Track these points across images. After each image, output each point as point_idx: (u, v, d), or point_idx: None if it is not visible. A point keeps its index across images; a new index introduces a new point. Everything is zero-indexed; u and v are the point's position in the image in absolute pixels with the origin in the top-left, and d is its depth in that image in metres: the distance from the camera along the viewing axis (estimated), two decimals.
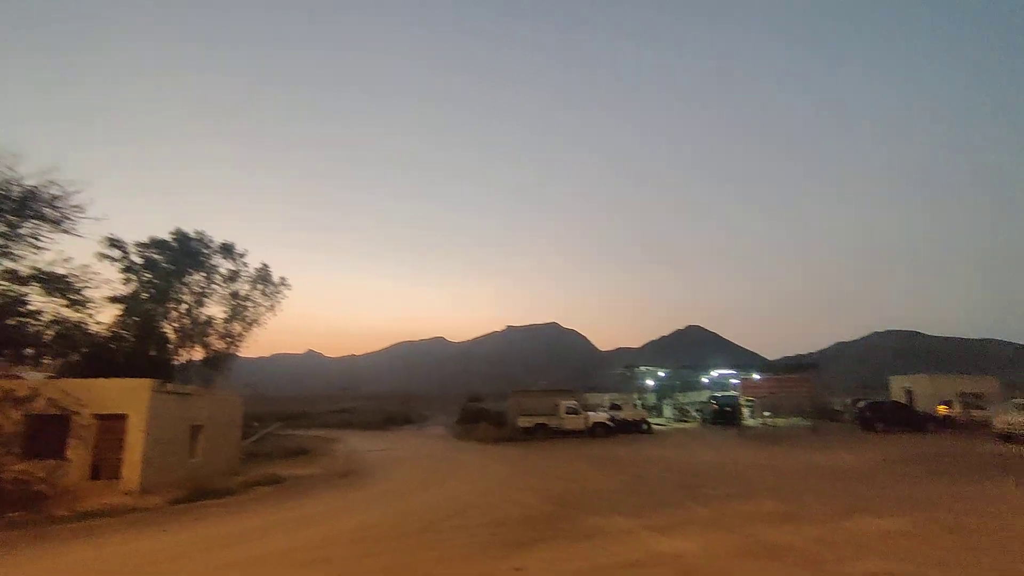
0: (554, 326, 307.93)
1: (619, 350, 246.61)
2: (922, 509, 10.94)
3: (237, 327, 27.61)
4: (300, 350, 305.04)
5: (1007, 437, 23.32)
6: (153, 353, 22.27)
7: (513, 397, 33.32)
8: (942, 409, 30.44)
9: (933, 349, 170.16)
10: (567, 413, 29.91)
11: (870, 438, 26.31)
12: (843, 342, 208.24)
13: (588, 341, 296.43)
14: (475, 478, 16.77)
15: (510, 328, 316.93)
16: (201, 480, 15.97)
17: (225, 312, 27.04)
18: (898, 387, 36.97)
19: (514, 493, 13.75)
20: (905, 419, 29.13)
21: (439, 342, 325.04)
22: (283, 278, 29.15)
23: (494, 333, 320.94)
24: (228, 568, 7.94)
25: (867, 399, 34.48)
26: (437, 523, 10.58)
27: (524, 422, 29.74)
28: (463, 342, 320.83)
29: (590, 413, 30.66)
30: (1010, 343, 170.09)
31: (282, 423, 37.64)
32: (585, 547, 8.64)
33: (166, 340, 24.04)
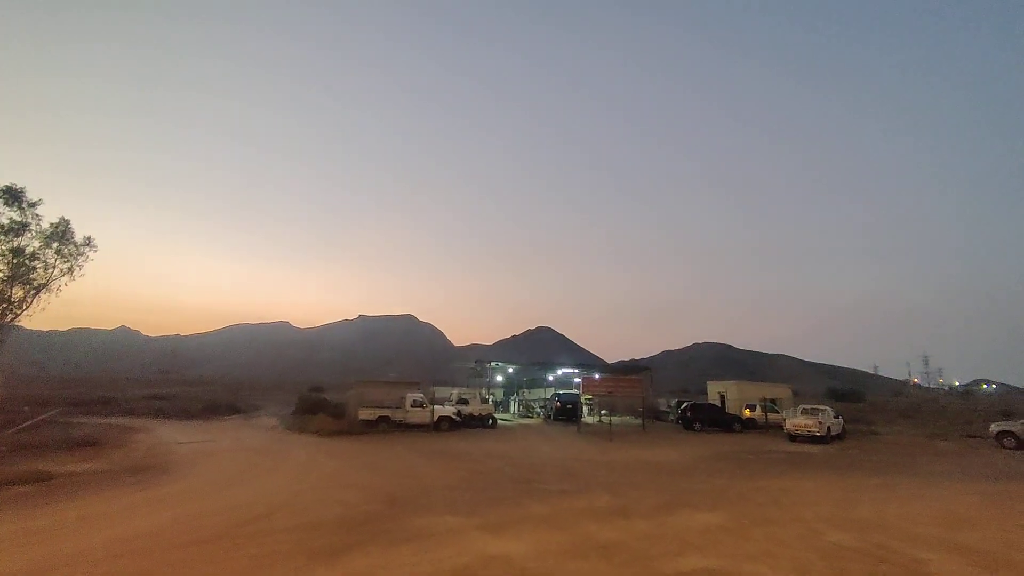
0: (410, 318, 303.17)
1: (473, 346, 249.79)
2: (734, 503, 11.75)
3: (18, 291, 22.79)
4: (110, 325, 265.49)
5: (793, 437, 26.93)
6: None
7: (356, 388, 31.24)
8: (747, 412, 34.53)
9: (741, 360, 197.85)
10: (412, 406, 28.73)
11: (689, 436, 28.83)
12: (670, 350, 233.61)
13: (443, 335, 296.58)
14: (297, 474, 14.94)
15: (363, 317, 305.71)
16: None
17: (2, 272, 22.13)
18: (714, 392, 41.17)
19: (338, 491, 12.33)
20: (718, 420, 32.55)
21: (283, 327, 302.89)
22: (89, 238, 24.36)
23: (345, 321, 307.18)
24: None
25: (688, 401, 37.98)
26: (235, 529, 8.90)
27: (366, 414, 27.97)
28: (310, 329, 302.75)
29: (436, 407, 29.79)
30: (796, 359, 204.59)
31: (67, 408, 31.42)
32: (408, 552, 7.70)
33: None
